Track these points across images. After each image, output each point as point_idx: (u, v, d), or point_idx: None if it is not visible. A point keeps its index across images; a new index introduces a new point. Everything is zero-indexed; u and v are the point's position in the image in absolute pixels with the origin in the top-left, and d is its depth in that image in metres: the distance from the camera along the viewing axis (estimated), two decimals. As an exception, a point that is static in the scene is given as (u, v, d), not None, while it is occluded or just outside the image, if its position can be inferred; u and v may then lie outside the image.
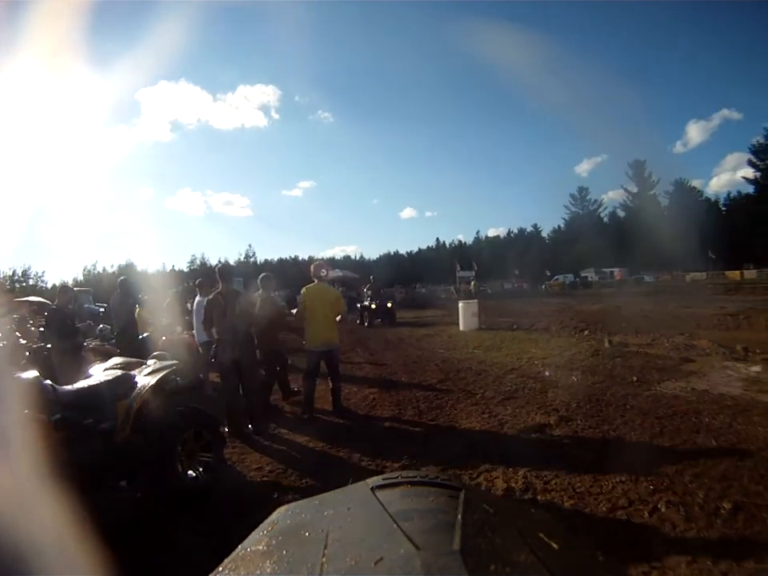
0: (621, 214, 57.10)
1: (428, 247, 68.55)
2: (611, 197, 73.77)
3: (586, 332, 10.46)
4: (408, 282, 43.81)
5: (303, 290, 4.80)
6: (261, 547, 0.55)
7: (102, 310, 15.11)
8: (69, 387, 2.73)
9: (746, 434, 3.51)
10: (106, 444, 2.58)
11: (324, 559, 0.47)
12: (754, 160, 44.45)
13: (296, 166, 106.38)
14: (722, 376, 5.41)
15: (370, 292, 15.42)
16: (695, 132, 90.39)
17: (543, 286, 40.68)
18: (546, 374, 6.20)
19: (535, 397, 5.03)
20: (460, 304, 12.94)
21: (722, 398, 4.45)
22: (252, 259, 60.86)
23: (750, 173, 46.00)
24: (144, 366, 3.18)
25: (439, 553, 0.45)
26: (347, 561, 0.46)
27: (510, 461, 3.28)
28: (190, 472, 3.00)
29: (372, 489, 0.62)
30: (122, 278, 6.32)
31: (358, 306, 15.67)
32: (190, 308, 7.32)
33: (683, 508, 2.49)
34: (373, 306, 14.68)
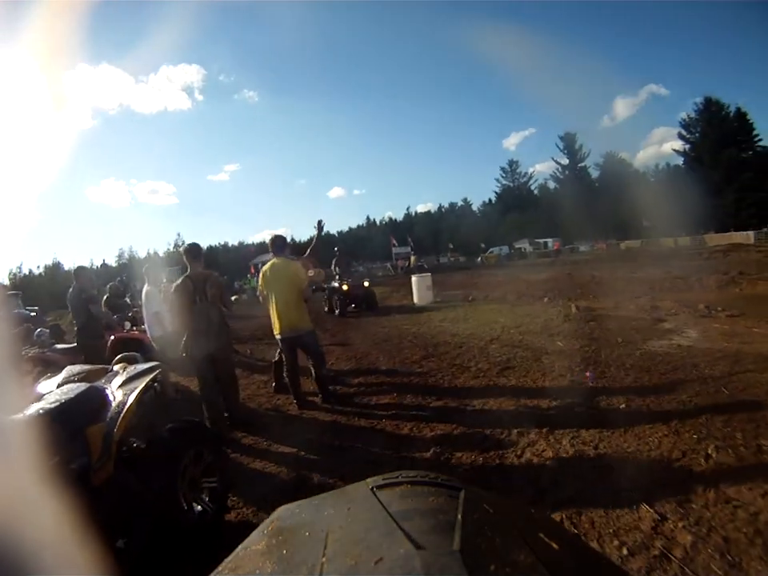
0: (551, 185, 63.98)
1: (358, 226, 72.90)
2: (539, 169, 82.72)
3: (546, 299, 11.26)
4: (343, 261, 44.58)
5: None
6: (261, 547, 0.58)
7: (33, 314, 16.24)
8: (13, 418, 1.98)
9: (747, 380, 4.03)
10: (80, 491, 1.83)
11: (324, 559, 0.50)
12: (684, 133, 51.11)
13: (221, 149, 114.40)
14: (699, 332, 6.14)
15: (337, 269, 12.17)
16: (622, 107, 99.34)
17: (479, 259, 43.12)
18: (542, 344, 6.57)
19: (532, 365, 5.31)
20: (413, 278, 13.40)
21: (711, 351, 5.06)
22: (182, 248, 61.59)
23: (678, 145, 53.11)
24: (112, 374, 2.72)
25: (439, 553, 0.47)
26: (347, 561, 0.48)
27: (545, 429, 3.46)
28: (196, 506, 2.54)
29: (372, 489, 0.65)
30: (77, 266, 5.91)
31: (325, 288, 12.25)
32: (129, 301, 7.76)
33: (731, 450, 2.81)
34: (344, 288, 11.66)
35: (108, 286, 7.27)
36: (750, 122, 46.03)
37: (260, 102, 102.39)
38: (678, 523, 2.20)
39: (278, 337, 4.51)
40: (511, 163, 68.63)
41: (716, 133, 45.02)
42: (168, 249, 61.32)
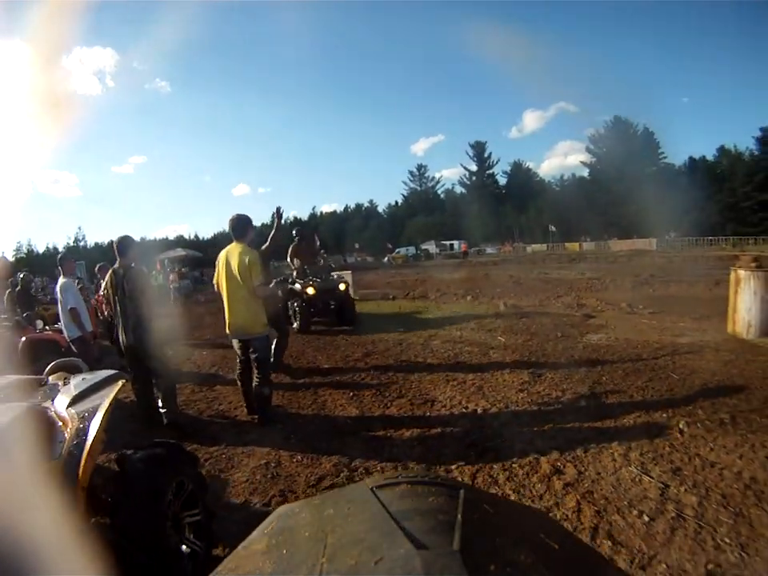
0: (458, 190, 71.57)
1: (263, 224, 75.95)
2: (447, 175, 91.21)
3: (469, 297, 12.01)
4: None
5: None
6: (261, 547, 0.62)
7: None
8: None
9: (690, 366, 4.79)
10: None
11: (324, 559, 0.54)
12: (592, 147, 59.51)
13: (128, 140, 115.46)
14: (630, 326, 7.05)
15: (296, 262, 8.64)
16: (532, 119, 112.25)
17: (386, 259, 44.50)
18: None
19: (482, 359, 5.69)
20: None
21: (648, 343, 5.87)
22: (82, 243, 63.09)
23: (585, 158, 61.62)
24: (49, 388, 2.29)
25: (439, 553, 0.51)
26: (347, 561, 0.52)
27: (524, 425, 3.78)
28: (185, 548, 2.20)
29: (372, 489, 0.72)
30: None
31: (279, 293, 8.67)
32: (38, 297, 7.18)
33: (699, 424, 3.36)
34: (309, 291, 8.50)
35: (20, 275, 6.41)
36: (656, 140, 54.30)
37: (171, 92, 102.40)
38: (679, 488, 2.59)
39: (229, 336, 4.34)
40: (420, 167, 75.58)
41: (623, 148, 52.12)
42: (68, 243, 60.98)
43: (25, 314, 5.75)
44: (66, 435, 1.89)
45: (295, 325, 8.59)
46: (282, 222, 4.81)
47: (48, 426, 1.92)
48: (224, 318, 4.26)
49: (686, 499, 2.48)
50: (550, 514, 2.42)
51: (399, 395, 4.64)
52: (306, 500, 0.76)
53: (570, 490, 2.66)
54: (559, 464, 2.96)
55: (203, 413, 4.65)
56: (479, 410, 4.01)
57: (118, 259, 4.37)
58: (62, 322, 5.56)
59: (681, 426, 3.35)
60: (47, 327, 6.19)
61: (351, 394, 4.78)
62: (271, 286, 4.86)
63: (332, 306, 9.15)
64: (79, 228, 75.79)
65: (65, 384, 2.34)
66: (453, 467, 3.08)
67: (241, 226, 4.25)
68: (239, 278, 4.09)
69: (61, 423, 1.97)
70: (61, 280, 5.43)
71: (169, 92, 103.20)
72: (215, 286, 4.40)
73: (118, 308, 4.32)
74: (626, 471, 2.80)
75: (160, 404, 4.28)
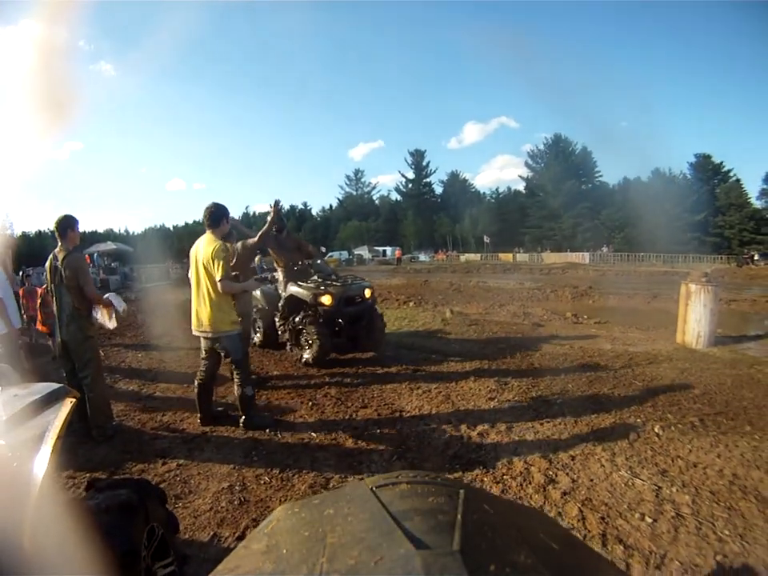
0: (394, 196, 74.14)
1: (195, 221, 76.06)
2: (383, 181, 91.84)
3: (411, 303, 12.17)
4: (178, 257, 46.12)
5: None
6: (260, 547, 0.64)
7: None
8: None
9: (650, 374, 5.14)
10: None
11: (324, 559, 0.55)
12: (530, 162, 63.15)
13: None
14: (580, 336, 7.42)
15: (283, 255, 6.59)
16: (472, 132, 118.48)
17: (319, 262, 44.20)
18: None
19: (441, 368, 5.75)
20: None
21: (603, 351, 6.23)
22: (9, 231, 56.93)
23: (522, 172, 66.53)
24: None
25: (439, 553, 0.53)
26: (347, 561, 0.54)
27: (502, 435, 3.88)
28: None
29: (372, 489, 0.75)
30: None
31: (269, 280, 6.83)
32: None
33: (672, 427, 3.61)
34: (326, 301, 6.13)
35: None
36: (594, 159, 58.35)
37: (115, 76, 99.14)
38: (671, 489, 2.76)
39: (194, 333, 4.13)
40: (357, 172, 77.60)
41: (560, 165, 55.62)
42: None
43: None
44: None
45: (306, 354, 6.13)
46: (279, 216, 4.58)
47: None
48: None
49: (680, 498, 2.65)
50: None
51: (362, 405, 4.57)
52: (306, 500, 0.76)
53: (568, 498, 2.74)
54: (551, 473, 3.04)
55: (145, 425, 4.31)
56: (452, 420, 4.02)
57: (59, 242, 4.10)
58: None
59: (656, 430, 3.58)
60: None
61: (309, 403, 4.64)
62: (249, 282, 4.53)
63: (359, 323, 6.55)
64: (6, 215, 71.40)
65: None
66: (440, 481, 3.05)
67: (216, 215, 4.04)
68: (203, 271, 3.93)
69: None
70: None
71: (112, 76, 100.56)
72: (190, 279, 4.16)
73: (54, 298, 4.10)
74: (617, 476, 2.94)
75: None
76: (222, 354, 4.05)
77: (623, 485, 2.83)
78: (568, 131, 58.93)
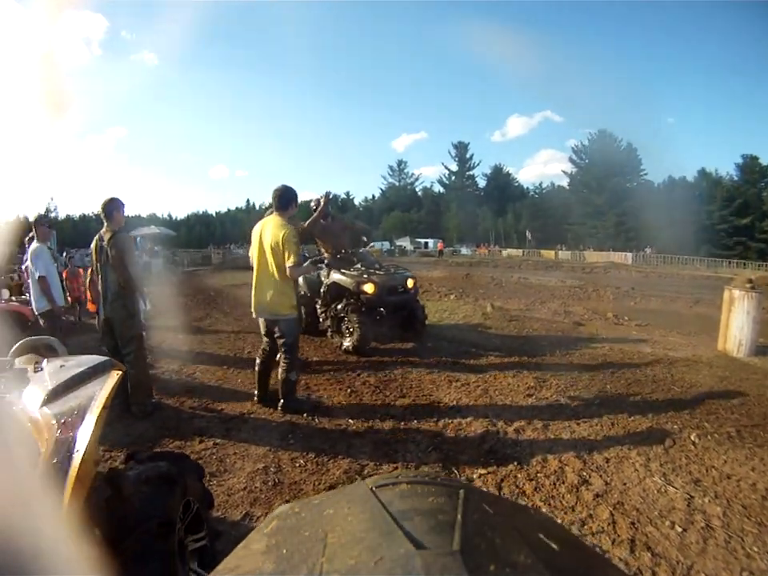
0: (437, 188, 74.04)
1: (237, 208, 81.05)
2: (426, 173, 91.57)
3: (453, 296, 12.17)
4: (220, 243, 51.12)
5: None
6: (261, 547, 0.63)
7: None
8: None
9: (689, 380, 5.02)
10: None
11: (324, 559, 0.54)
12: (575, 158, 61.37)
13: (109, 110, 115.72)
14: (620, 337, 7.30)
15: (329, 240, 6.83)
16: (516, 125, 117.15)
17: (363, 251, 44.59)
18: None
19: (481, 361, 5.79)
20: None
21: (642, 355, 6.12)
22: (53, 214, 61.76)
23: (566, 167, 63.90)
24: (15, 373, 1.78)
25: (439, 553, 0.52)
26: (347, 561, 0.53)
27: (539, 432, 3.90)
28: None
29: (372, 488, 0.73)
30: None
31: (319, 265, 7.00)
32: None
33: (709, 436, 3.57)
34: (368, 289, 6.17)
35: None
36: (639, 156, 56.29)
37: (159, 65, 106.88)
38: (703, 499, 2.75)
39: (254, 314, 4.27)
40: (399, 163, 78.09)
41: (605, 161, 54.06)
42: (38, 213, 58.55)
43: None
44: (39, 447, 1.36)
45: (347, 342, 6.17)
46: (329, 208, 4.70)
47: (14, 432, 1.44)
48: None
49: (711, 510, 2.64)
50: (585, 527, 2.52)
51: (401, 395, 4.65)
52: (306, 500, 0.77)
53: (600, 501, 2.75)
54: (584, 474, 3.06)
55: (184, 404, 4.50)
56: (490, 414, 4.07)
57: (105, 223, 4.25)
58: (30, 292, 5.28)
59: (693, 437, 3.54)
60: (13, 298, 5.86)
61: (348, 390, 4.77)
62: (305, 265, 4.69)
63: (401, 313, 6.70)
64: (51, 198, 74.94)
65: (36, 371, 1.80)
66: (475, 476, 3.11)
67: (285, 197, 4.10)
68: (269, 252, 3.98)
69: (32, 428, 1.44)
70: (33, 245, 5.12)
71: (156, 65, 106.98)
72: (250, 258, 4.30)
73: (100, 277, 4.25)
74: (651, 482, 2.94)
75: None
76: (277, 336, 4.14)
77: (656, 491, 2.84)
78: (613, 126, 56.79)
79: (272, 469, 3.22)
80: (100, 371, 1.80)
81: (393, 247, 50.43)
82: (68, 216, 60.11)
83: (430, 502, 0.64)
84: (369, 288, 6.10)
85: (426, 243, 53.90)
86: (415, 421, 4.01)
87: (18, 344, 2.20)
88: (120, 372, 1.85)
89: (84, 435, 1.39)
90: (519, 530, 0.62)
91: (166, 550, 1.56)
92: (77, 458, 1.32)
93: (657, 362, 5.76)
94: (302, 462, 3.32)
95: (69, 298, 8.31)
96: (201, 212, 79.07)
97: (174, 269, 24.09)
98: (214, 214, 78.12)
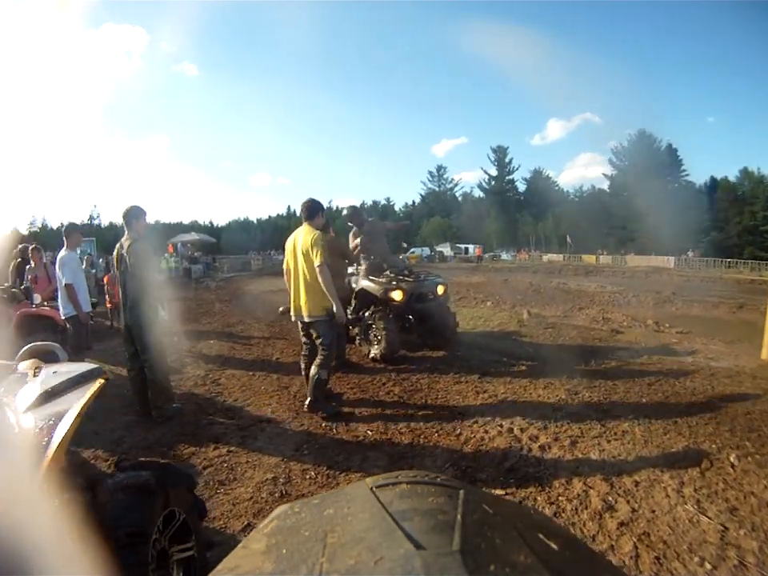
0: (477, 194, 72.18)
1: (278, 215, 79.87)
2: (466, 178, 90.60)
3: (489, 303, 11.86)
4: (261, 249, 50.95)
5: None
6: (261, 547, 0.61)
7: None
8: None
9: (730, 394, 4.63)
10: None
11: (324, 559, 0.53)
12: (614, 160, 59.04)
13: (151, 120, 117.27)
14: (660, 346, 6.86)
15: (371, 247, 6.40)
16: (555, 128, 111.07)
17: (401, 258, 44.34)
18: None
19: (511, 370, 5.59)
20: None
21: (683, 365, 5.71)
22: (96, 221, 64.36)
23: (606, 170, 61.51)
24: (16, 378, 1.90)
25: (439, 553, 0.51)
26: (347, 561, 0.52)
27: (565, 450, 3.67)
28: None
29: (372, 488, 0.70)
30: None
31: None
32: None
33: (749, 458, 3.23)
34: (396, 296, 5.97)
35: (19, 247, 6.36)
36: (679, 157, 53.77)
37: (199, 75, 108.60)
38: (738, 531, 2.45)
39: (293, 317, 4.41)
40: (439, 168, 75.99)
41: (645, 163, 51.34)
42: (82, 220, 62.11)
43: (22, 287, 5.61)
44: (17, 446, 1.47)
45: (374, 350, 5.96)
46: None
47: (4, 435, 1.53)
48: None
49: (747, 544, 2.35)
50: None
51: (424, 405, 4.52)
52: (306, 500, 0.74)
53: (624, 530, 2.51)
54: (610, 498, 2.81)
55: (205, 409, 4.52)
56: (515, 429, 3.86)
57: (126, 231, 4.22)
58: (59, 298, 5.28)
59: (732, 459, 3.21)
60: (45, 303, 6.01)
61: (371, 399, 4.67)
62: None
63: (430, 320, 6.32)
64: (95, 206, 77.64)
65: (35, 375, 1.91)
66: (491, 495, 2.94)
67: (312, 209, 4.30)
68: (302, 258, 4.15)
69: (19, 432, 1.53)
70: (62, 252, 5.08)
71: (196, 75, 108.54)
72: (284, 271, 4.48)
73: (120, 284, 4.27)
74: (683, 509, 2.66)
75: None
76: (315, 337, 4.25)
77: (687, 521, 2.57)
78: (652, 126, 54.10)
79: (281, 480, 3.15)
80: (87, 379, 1.84)
81: (433, 253, 49.98)
82: (111, 223, 62.50)
83: (430, 502, 0.63)
84: (397, 295, 5.86)
85: (467, 249, 53.07)
86: (436, 434, 3.86)
87: (23, 349, 2.32)
88: (103, 380, 1.85)
89: (56, 440, 1.41)
90: (519, 530, 0.61)
91: (136, 560, 1.53)
92: (46, 462, 1.34)
93: (697, 372, 5.35)
94: (312, 473, 3.24)
95: (109, 304, 8.63)
96: (242, 219, 79.13)
97: (213, 274, 24.49)
98: (255, 221, 78.09)
